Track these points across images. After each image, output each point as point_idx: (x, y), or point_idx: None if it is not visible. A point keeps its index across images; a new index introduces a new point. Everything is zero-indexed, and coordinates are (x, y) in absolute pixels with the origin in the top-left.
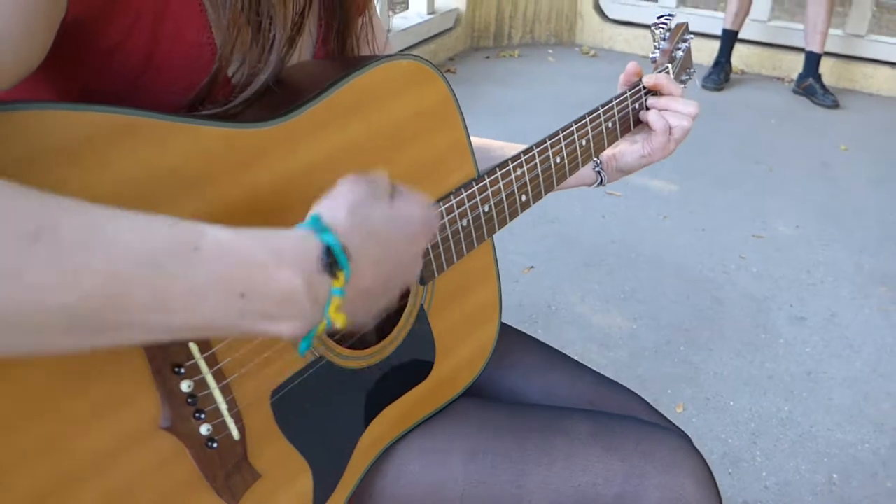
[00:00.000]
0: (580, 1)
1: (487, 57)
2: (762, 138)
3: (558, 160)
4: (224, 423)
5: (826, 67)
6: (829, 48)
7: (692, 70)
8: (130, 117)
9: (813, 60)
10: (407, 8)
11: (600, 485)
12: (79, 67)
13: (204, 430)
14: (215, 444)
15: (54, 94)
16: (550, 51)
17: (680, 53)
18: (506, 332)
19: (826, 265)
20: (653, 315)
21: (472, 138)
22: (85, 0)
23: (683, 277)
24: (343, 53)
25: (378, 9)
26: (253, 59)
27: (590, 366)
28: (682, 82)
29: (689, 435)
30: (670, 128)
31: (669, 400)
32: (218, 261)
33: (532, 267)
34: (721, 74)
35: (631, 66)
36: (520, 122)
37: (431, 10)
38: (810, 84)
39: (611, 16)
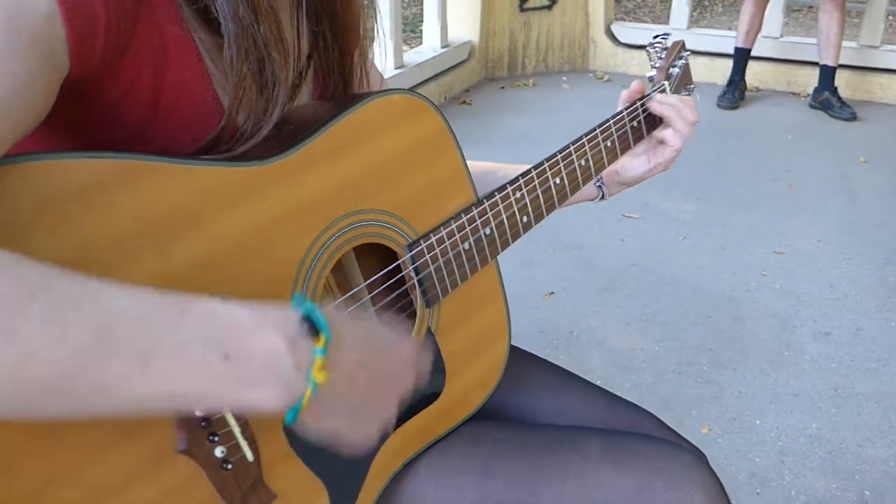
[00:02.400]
0: (592, 27)
1: (502, 87)
2: (780, 154)
3: (558, 181)
4: (238, 445)
5: (841, 80)
6: (843, 60)
7: (692, 86)
8: (134, 161)
9: (828, 74)
10: (421, 42)
11: (612, 500)
12: (85, 119)
13: (218, 452)
14: (230, 466)
15: (65, 144)
16: (565, 78)
17: (676, 70)
18: (517, 354)
19: (849, 279)
20: (675, 336)
21: (476, 162)
22: (87, 60)
23: (704, 297)
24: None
25: (393, 45)
26: (258, 113)
27: (613, 390)
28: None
29: (715, 455)
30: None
31: (694, 421)
32: (204, 321)
33: (552, 293)
34: (736, 93)
35: (635, 84)
36: (536, 149)
37: (445, 44)
38: (826, 98)
39: (623, 40)
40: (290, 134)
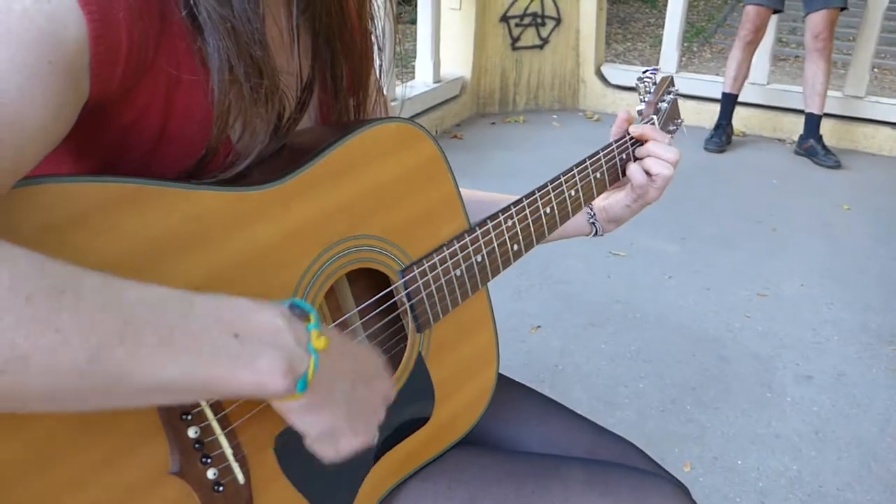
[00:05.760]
0: (582, 68)
1: (493, 123)
2: (765, 199)
3: (548, 211)
4: (230, 467)
5: (827, 128)
6: (829, 109)
7: (680, 121)
8: (137, 186)
9: (813, 122)
10: (413, 77)
11: None
12: (98, 143)
13: (210, 474)
14: (221, 488)
15: (74, 167)
16: (555, 116)
17: (665, 105)
18: (505, 383)
19: (832, 324)
20: (658, 374)
21: (469, 191)
22: (106, 85)
23: (688, 336)
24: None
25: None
26: (255, 138)
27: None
28: (670, 131)
29: (696, 494)
30: (651, 176)
31: (676, 459)
32: (211, 307)
33: (539, 327)
34: (723, 137)
35: (622, 114)
36: (526, 184)
37: (437, 79)
38: (811, 145)
39: (612, 81)
40: (288, 159)
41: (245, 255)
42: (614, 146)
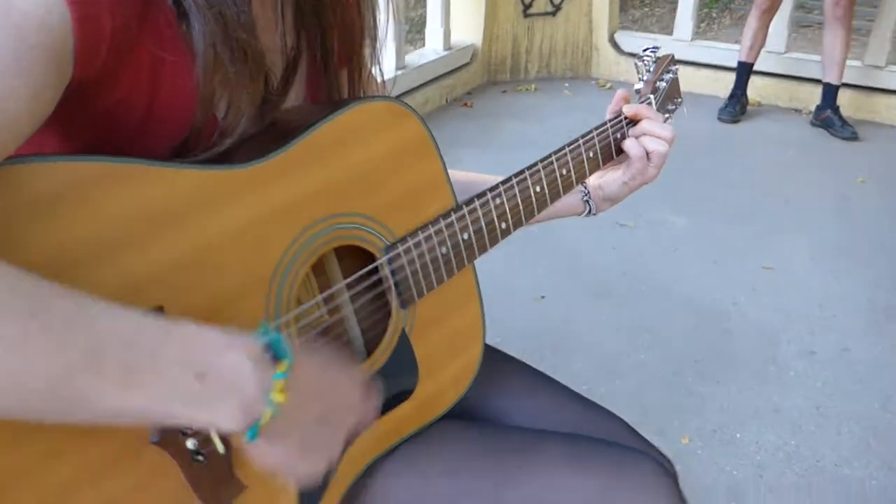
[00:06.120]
0: (595, 35)
1: (504, 91)
2: (779, 170)
3: (538, 189)
4: (209, 437)
5: (845, 99)
6: (847, 79)
7: (679, 100)
8: (118, 164)
9: (831, 92)
10: (423, 44)
11: None
12: (83, 123)
13: (190, 444)
14: (202, 458)
15: (59, 146)
16: (567, 84)
17: (663, 84)
18: (495, 356)
19: (839, 299)
20: (662, 345)
21: (461, 173)
22: (89, 67)
23: (693, 309)
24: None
25: (395, 47)
26: (241, 108)
27: (597, 394)
28: (669, 111)
29: (694, 467)
30: (647, 153)
31: (675, 431)
32: (183, 344)
33: (542, 297)
34: (737, 107)
35: (619, 93)
36: (535, 155)
37: (448, 46)
38: (828, 116)
39: (626, 49)
40: (274, 137)
41: (226, 234)
42: (608, 125)
